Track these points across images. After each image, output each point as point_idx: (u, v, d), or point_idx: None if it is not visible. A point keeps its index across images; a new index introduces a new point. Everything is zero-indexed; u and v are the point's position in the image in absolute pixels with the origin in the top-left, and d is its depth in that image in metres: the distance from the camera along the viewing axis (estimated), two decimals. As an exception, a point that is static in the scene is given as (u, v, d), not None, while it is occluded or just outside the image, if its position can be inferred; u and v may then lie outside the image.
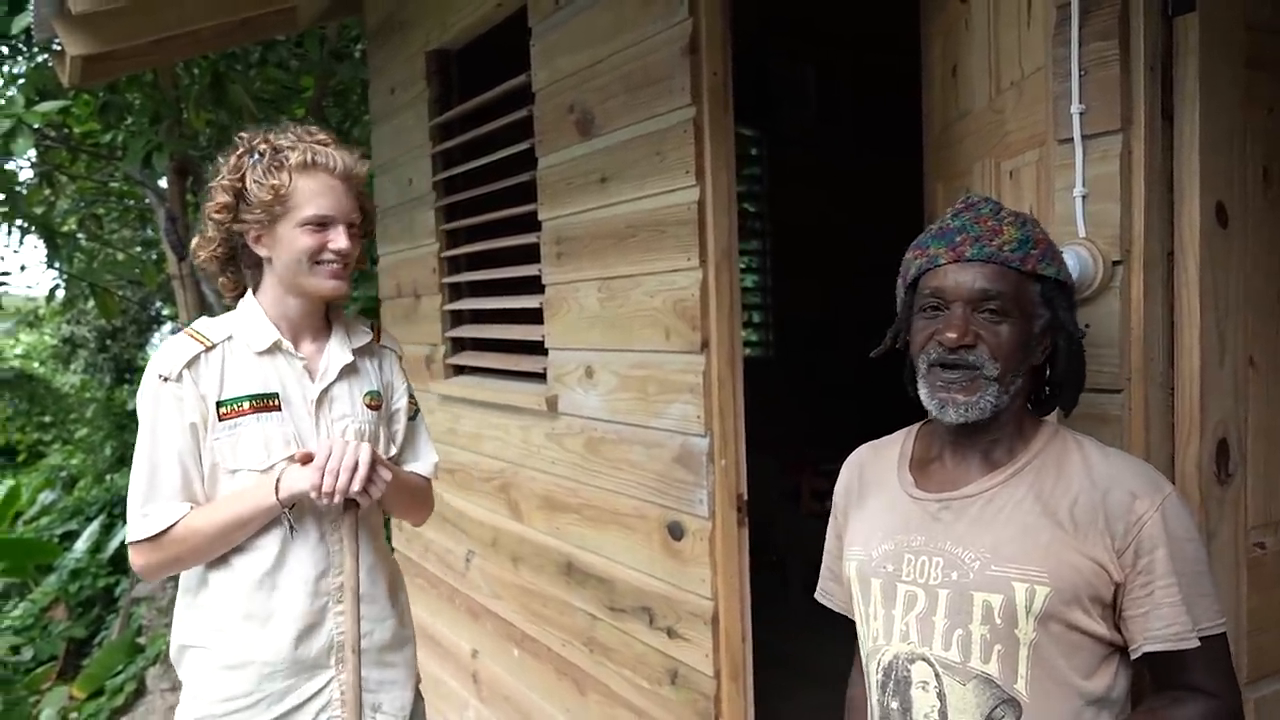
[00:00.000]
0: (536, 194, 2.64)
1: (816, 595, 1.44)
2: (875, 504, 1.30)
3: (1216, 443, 1.36)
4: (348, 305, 1.90)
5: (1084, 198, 1.35)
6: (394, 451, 1.77)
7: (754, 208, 5.20)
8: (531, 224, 2.68)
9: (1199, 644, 1.12)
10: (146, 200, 6.46)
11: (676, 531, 2.19)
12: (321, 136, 1.64)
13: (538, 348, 2.74)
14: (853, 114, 4.91)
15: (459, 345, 3.31)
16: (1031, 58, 1.53)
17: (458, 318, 3.30)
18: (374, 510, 1.71)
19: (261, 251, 1.61)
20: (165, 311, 10.03)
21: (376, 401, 1.72)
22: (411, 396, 1.83)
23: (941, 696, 1.14)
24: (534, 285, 2.71)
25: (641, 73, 2.18)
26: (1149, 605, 1.12)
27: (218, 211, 1.60)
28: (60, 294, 6.30)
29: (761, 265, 5.32)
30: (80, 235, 7.07)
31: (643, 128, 2.19)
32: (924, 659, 1.16)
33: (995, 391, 1.16)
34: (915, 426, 1.35)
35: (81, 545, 8.13)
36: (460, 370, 3.30)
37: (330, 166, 1.60)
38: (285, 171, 1.56)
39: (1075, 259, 1.32)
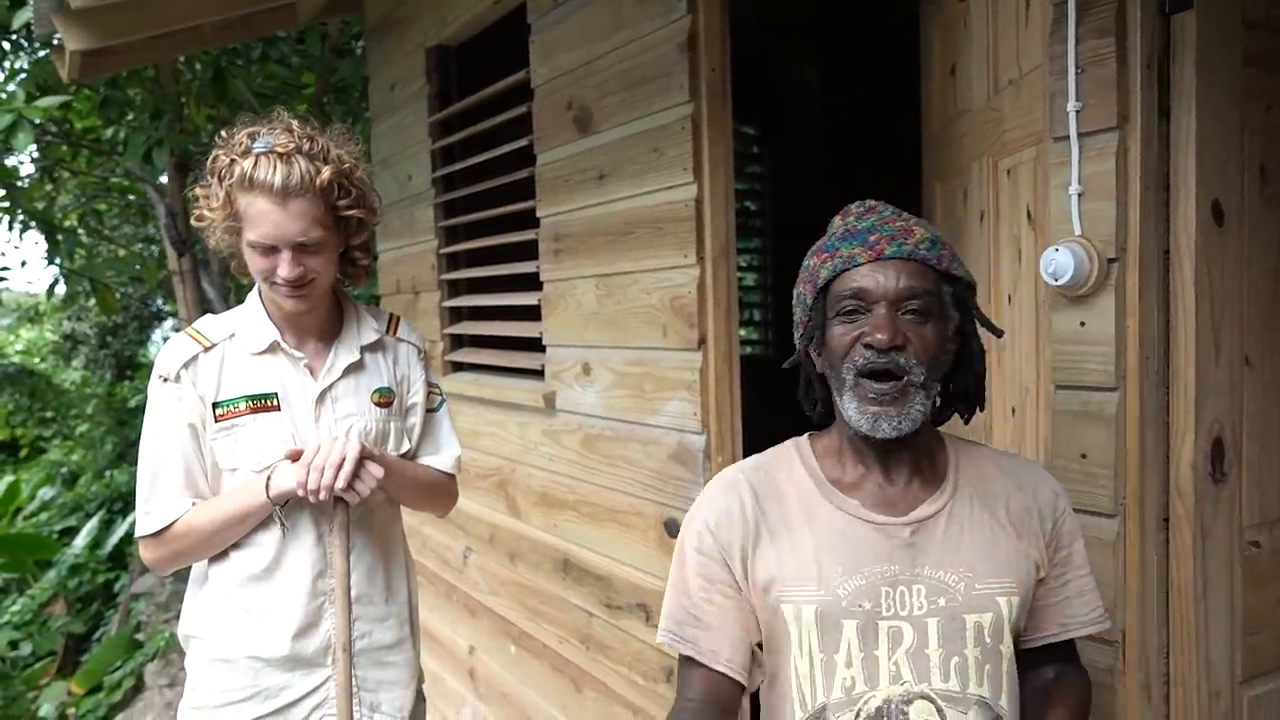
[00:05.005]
0: (535, 191, 2.64)
1: (664, 639, 1.20)
2: (809, 536, 1.14)
3: (1211, 441, 1.36)
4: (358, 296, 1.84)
5: (1080, 195, 1.35)
6: (407, 446, 1.73)
7: (755, 206, 5.19)
8: (530, 221, 2.68)
9: (1109, 624, 1.21)
10: (147, 196, 6.46)
11: (673, 529, 2.18)
12: (283, 141, 1.50)
13: (535, 344, 2.74)
14: (856, 112, 4.91)
15: (457, 342, 3.31)
16: (1029, 56, 1.53)
17: (456, 314, 3.30)
18: (383, 507, 1.69)
19: (244, 257, 1.58)
20: (166, 308, 10.04)
21: (387, 398, 1.68)
22: (432, 388, 1.77)
23: None
24: (532, 282, 2.71)
25: (640, 69, 2.18)
26: (1068, 593, 1.19)
27: (198, 220, 1.58)
28: (60, 290, 6.30)
29: (762, 263, 5.32)
30: (80, 231, 7.07)
31: (641, 125, 2.19)
32: (923, 697, 1.10)
33: (923, 399, 1.11)
34: (799, 444, 1.24)
35: (81, 541, 8.14)
36: (458, 367, 3.30)
37: (268, 185, 1.47)
38: (224, 189, 1.50)
39: (1070, 256, 1.32)
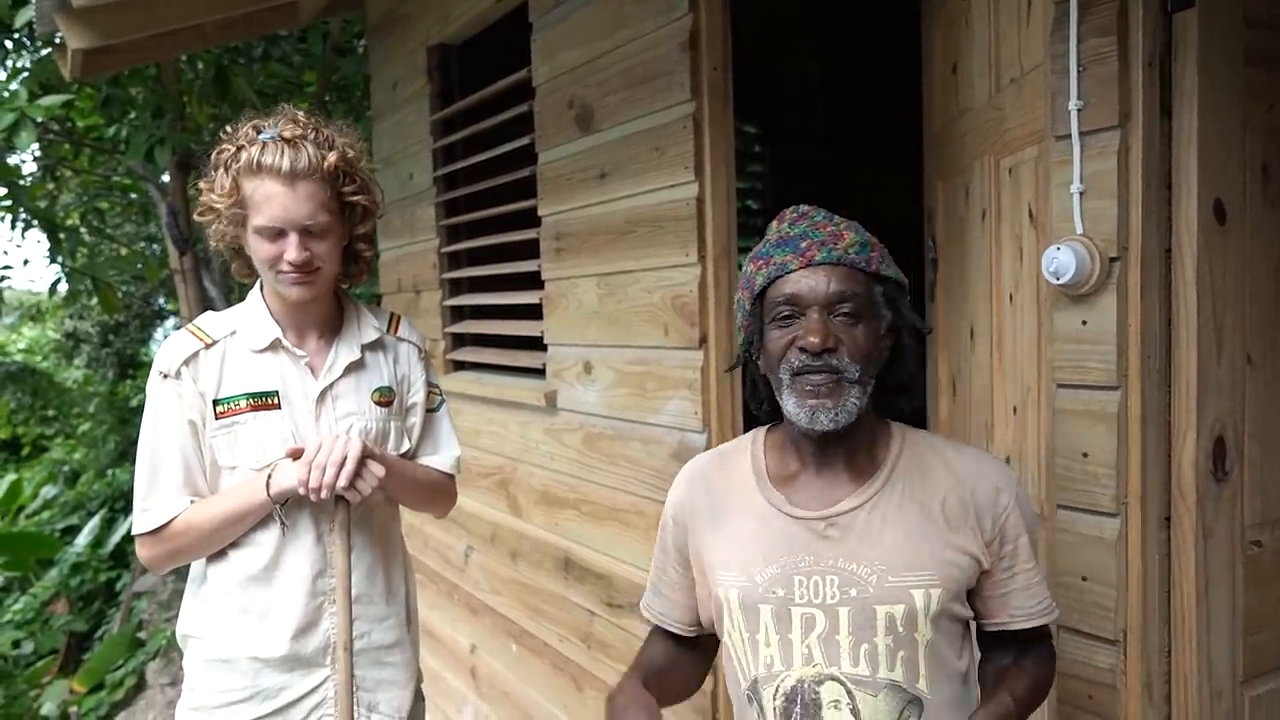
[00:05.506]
0: (536, 189, 2.64)
1: (643, 608, 1.40)
2: (741, 525, 1.24)
3: (1213, 441, 1.35)
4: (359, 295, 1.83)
5: (1081, 194, 1.35)
6: (407, 446, 1.72)
7: (756, 205, 5.19)
8: (531, 219, 2.68)
9: (1057, 614, 1.25)
10: (149, 194, 6.47)
11: (674, 528, 2.18)
12: (290, 129, 1.52)
13: (537, 343, 2.74)
14: (857, 111, 4.90)
15: (458, 341, 3.31)
16: (1031, 54, 1.52)
17: (457, 313, 3.30)
18: (383, 507, 1.69)
19: (247, 250, 1.58)
20: (167, 306, 10.05)
21: (387, 398, 1.68)
22: (432, 388, 1.77)
23: (855, 712, 1.15)
24: (533, 281, 2.71)
25: (641, 68, 2.18)
26: (1014, 586, 1.22)
27: (201, 215, 1.58)
28: (62, 288, 6.30)
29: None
30: (83, 229, 7.07)
31: (642, 123, 2.19)
32: (834, 679, 1.16)
33: (858, 394, 1.16)
34: (756, 435, 1.32)
35: (83, 540, 8.15)
36: (460, 366, 3.30)
37: (276, 168, 1.48)
38: (230, 176, 1.50)
39: (1072, 255, 1.31)
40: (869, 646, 1.15)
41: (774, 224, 1.26)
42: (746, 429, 2.11)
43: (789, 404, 1.17)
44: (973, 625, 1.26)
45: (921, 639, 1.16)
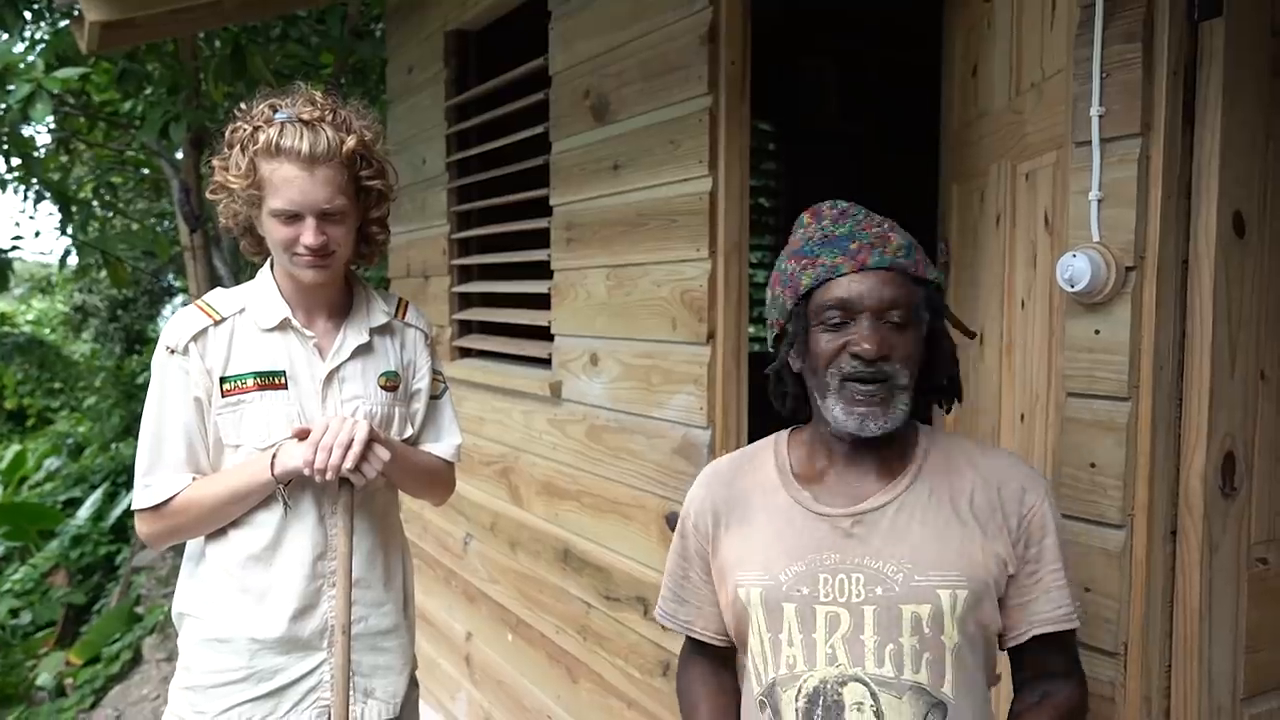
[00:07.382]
0: (549, 179, 2.63)
1: (663, 617, 1.35)
2: (764, 523, 1.22)
3: (1223, 455, 1.34)
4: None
5: (1099, 201, 1.34)
6: (410, 432, 1.71)
7: (769, 202, 5.17)
8: (543, 209, 2.67)
9: (1078, 624, 1.20)
10: (162, 171, 6.47)
11: (674, 522, 2.17)
12: (308, 110, 1.51)
13: (544, 333, 2.73)
14: (874, 109, 4.88)
15: (465, 328, 3.31)
16: (1053, 59, 1.51)
17: (465, 300, 3.29)
18: (383, 492, 1.68)
19: (260, 231, 1.58)
20: (177, 283, 10.07)
21: (393, 383, 1.67)
22: (437, 375, 1.76)
23: (879, 714, 1.13)
24: (543, 270, 2.70)
25: (659, 60, 2.17)
26: (1038, 591, 1.18)
27: (214, 193, 1.57)
28: (72, 261, 6.30)
29: (774, 260, 5.30)
30: (95, 203, 7.08)
31: (658, 115, 2.18)
32: (857, 679, 1.13)
33: (905, 400, 1.15)
34: (779, 437, 1.30)
35: (84, 512, 8.18)
36: (466, 353, 3.30)
37: (295, 151, 1.47)
38: (247, 157, 1.49)
39: (1088, 263, 1.30)
40: (894, 647, 1.13)
41: (807, 218, 1.23)
42: (751, 426, 2.12)
43: (835, 410, 1.15)
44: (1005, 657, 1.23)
45: (949, 642, 1.14)
